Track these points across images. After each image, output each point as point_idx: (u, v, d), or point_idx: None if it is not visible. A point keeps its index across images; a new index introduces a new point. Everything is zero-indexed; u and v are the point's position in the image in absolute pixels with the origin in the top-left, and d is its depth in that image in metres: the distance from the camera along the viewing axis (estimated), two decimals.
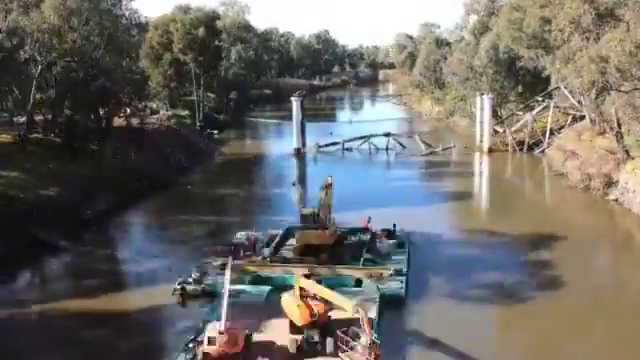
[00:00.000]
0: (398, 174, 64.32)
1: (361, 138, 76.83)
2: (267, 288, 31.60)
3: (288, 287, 28.64)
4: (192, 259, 36.97)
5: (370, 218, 39.90)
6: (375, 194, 52.81)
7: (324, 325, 25.55)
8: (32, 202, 42.19)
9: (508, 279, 33.91)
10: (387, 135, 76.67)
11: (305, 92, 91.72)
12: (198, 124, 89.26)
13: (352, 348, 24.07)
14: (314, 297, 26.10)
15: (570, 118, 68.73)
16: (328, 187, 36.11)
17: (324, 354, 24.77)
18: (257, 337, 25.90)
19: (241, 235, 39.17)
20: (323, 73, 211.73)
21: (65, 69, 48.32)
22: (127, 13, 57.05)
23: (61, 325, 29.49)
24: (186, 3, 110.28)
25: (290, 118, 78.82)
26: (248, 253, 36.14)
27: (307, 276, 28.56)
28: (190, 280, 32.34)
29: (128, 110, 62.81)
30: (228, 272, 26.43)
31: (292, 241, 37.42)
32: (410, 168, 67.28)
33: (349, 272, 33.23)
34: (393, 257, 35.60)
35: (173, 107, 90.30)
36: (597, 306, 30.82)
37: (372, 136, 76.42)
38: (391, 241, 37.45)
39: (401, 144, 76.21)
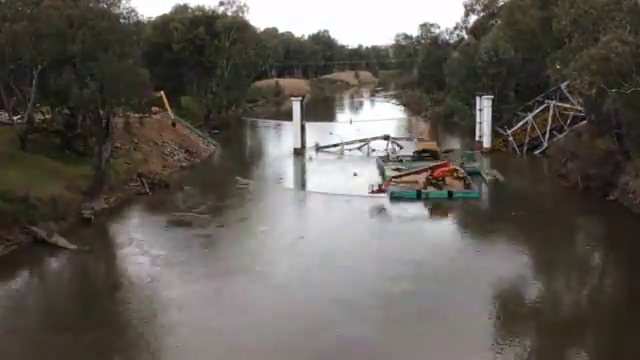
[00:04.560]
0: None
1: (361, 141, 76.66)
2: None
3: None
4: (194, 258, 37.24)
5: None
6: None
7: None
8: (33, 201, 41.97)
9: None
10: (386, 138, 76.49)
11: (305, 92, 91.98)
12: (197, 123, 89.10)
13: None
14: None
15: (570, 119, 68.65)
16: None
17: None
18: None
19: None
20: (323, 73, 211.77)
21: (64, 70, 48.08)
22: (125, 12, 56.79)
23: None
24: (185, 2, 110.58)
25: (290, 118, 78.78)
26: None
27: None
28: None
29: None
30: None
31: None
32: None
33: None
34: None
35: (172, 106, 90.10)
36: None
37: (372, 139, 76.17)
38: None
39: (400, 147, 76.02)
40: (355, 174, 60.99)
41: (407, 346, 26.50)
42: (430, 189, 52.06)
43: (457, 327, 28.05)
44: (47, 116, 57.10)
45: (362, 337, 27.13)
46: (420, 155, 64.83)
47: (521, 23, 74.36)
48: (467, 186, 53.03)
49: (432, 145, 65.84)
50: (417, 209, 50.09)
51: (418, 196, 51.08)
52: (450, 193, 51.40)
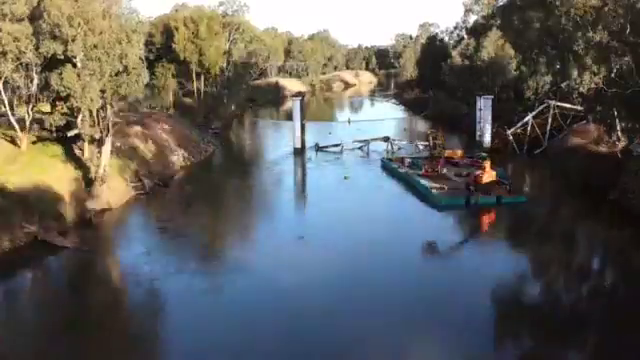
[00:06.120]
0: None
1: (360, 142, 76.72)
2: None
3: None
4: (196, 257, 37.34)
5: None
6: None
7: None
8: (32, 201, 42.02)
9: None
10: (386, 140, 76.50)
11: (305, 92, 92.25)
12: (198, 122, 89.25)
13: None
14: None
15: (570, 119, 68.70)
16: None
17: None
18: None
19: None
20: (322, 73, 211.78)
21: (64, 70, 48.04)
22: (126, 12, 56.81)
23: None
24: (185, 2, 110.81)
25: (289, 118, 78.71)
26: None
27: None
28: None
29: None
30: None
31: None
32: None
33: None
34: None
35: (173, 106, 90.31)
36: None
37: (371, 140, 76.20)
38: None
39: (400, 148, 76.04)
40: (346, 177, 60.39)
41: None
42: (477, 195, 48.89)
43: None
44: (47, 116, 57.04)
45: None
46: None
47: (520, 23, 74.54)
48: (512, 191, 49.95)
49: (457, 153, 61.38)
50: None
51: (467, 203, 48.03)
52: (499, 199, 48.63)
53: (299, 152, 74.40)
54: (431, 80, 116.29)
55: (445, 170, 56.75)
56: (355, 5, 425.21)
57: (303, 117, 76.81)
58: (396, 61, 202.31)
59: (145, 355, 27.28)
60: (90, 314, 30.61)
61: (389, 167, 63.98)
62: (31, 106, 51.80)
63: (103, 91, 48.44)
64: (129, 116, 65.98)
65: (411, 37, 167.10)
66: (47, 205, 42.75)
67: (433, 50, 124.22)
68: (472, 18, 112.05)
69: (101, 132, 50.75)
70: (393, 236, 41.68)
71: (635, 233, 41.47)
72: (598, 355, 26.88)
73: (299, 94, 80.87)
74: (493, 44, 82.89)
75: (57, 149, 53.11)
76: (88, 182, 48.82)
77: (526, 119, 72.20)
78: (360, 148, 76.24)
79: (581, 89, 63.22)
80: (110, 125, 52.36)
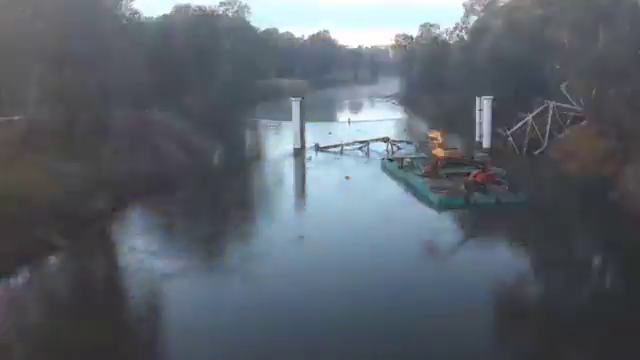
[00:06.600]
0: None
1: (360, 142, 76.76)
2: None
3: None
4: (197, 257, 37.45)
5: None
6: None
7: None
8: (32, 201, 42.01)
9: None
10: (385, 140, 76.52)
11: (305, 92, 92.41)
12: (198, 123, 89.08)
13: None
14: None
15: (570, 119, 68.66)
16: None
17: None
18: None
19: None
20: (322, 74, 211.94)
21: (64, 70, 48.15)
22: (128, 14, 56.94)
23: None
24: (186, 3, 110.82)
25: (289, 118, 78.80)
26: None
27: None
28: None
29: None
30: None
31: None
32: None
33: None
34: None
35: (172, 107, 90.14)
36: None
37: (371, 140, 76.20)
38: None
39: (400, 149, 76.05)
40: (347, 177, 60.32)
41: None
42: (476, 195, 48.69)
43: None
44: (47, 116, 57.02)
45: None
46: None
47: (521, 23, 74.68)
48: (512, 191, 49.65)
49: (457, 152, 60.51)
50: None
51: (466, 203, 48.17)
52: (498, 199, 48.39)
53: (299, 152, 74.46)
54: (431, 80, 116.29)
55: (445, 170, 56.76)
56: (355, 5, 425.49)
57: (303, 118, 76.86)
58: (396, 61, 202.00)
59: (144, 354, 27.31)
60: (90, 315, 30.56)
61: (389, 167, 63.95)
62: (31, 106, 51.88)
63: (103, 91, 48.58)
64: (130, 116, 65.82)
65: (411, 37, 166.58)
66: (47, 205, 42.67)
67: (434, 50, 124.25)
68: (473, 19, 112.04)
69: (101, 132, 50.88)
70: (393, 236, 41.68)
71: (635, 234, 41.44)
72: (598, 355, 26.85)
73: (299, 95, 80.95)
74: (493, 44, 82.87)
75: (57, 149, 53.09)
76: (88, 182, 48.76)
77: (526, 119, 72.18)
78: (360, 148, 76.27)
79: (581, 89, 63.19)
80: (110, 125, 52.47)
